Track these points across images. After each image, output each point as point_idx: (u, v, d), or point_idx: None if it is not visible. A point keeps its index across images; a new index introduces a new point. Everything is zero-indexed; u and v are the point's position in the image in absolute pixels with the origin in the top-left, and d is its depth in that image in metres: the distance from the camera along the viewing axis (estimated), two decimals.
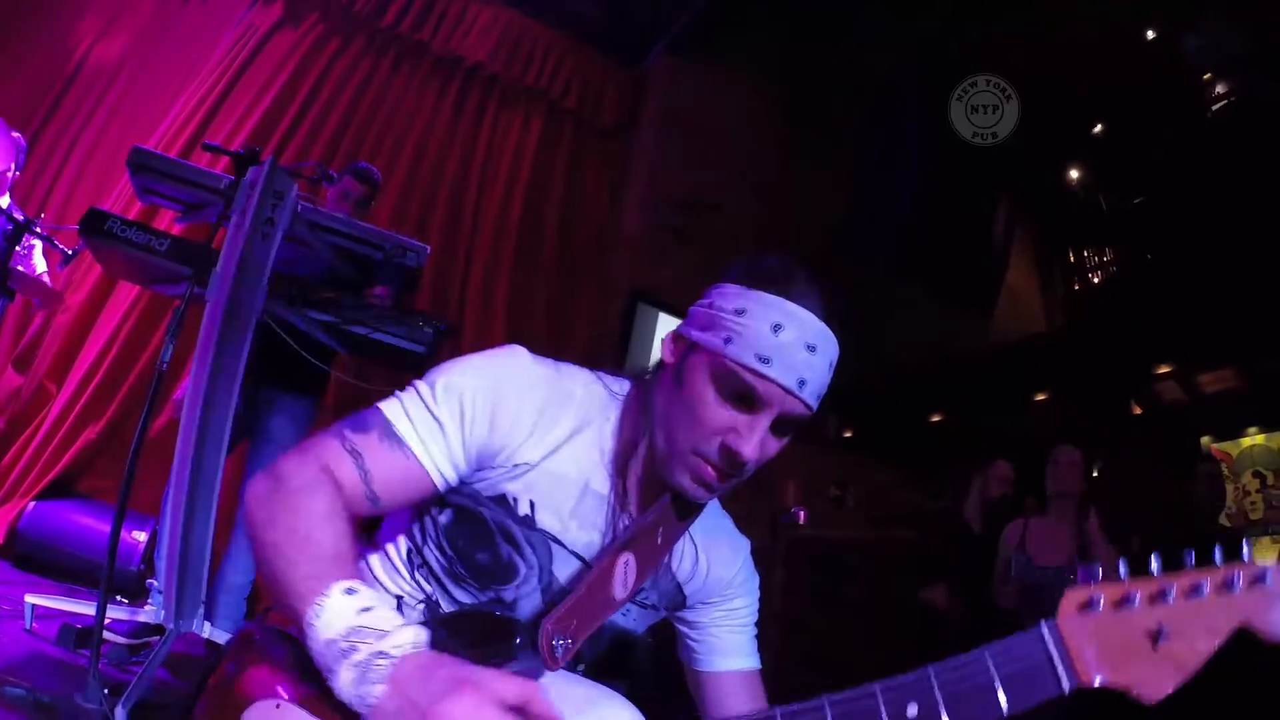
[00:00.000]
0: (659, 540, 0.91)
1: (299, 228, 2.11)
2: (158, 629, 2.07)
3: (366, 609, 0.69)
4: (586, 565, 0.93)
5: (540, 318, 4.58)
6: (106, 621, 1.77)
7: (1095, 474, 3.67)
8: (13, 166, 2.86)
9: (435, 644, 0.71)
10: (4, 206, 2.78)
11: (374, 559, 0.98)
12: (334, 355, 2.30)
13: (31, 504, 3.06)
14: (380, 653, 0.66)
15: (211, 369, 1.95)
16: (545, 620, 0.81)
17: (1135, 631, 0.63)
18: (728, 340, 0.84)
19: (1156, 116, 4.55)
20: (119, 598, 2.74)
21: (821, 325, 0.84)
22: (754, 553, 1.10)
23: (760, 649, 1.09)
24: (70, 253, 2.70)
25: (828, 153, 4.77)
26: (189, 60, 4.13)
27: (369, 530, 1.01)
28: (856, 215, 4.84)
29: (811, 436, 4.65)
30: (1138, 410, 4.66)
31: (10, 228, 2.58)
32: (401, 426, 0.87)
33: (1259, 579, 0.63)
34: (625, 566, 0.87)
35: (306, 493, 0.79)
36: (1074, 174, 4.98)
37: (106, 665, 2.14)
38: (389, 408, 0.89)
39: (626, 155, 5.06)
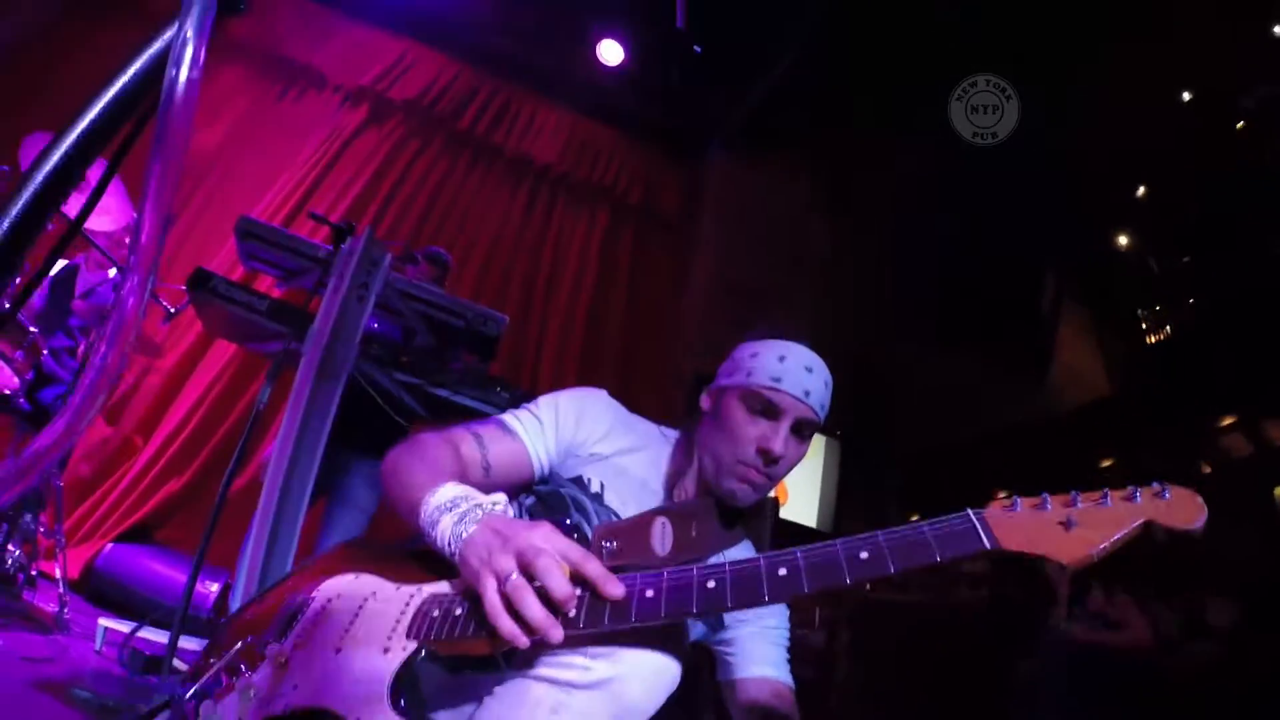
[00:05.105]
0: (693, 533, 1.10)
1: (390, 294, 2.28)
2: None
3: (471, 492, 0.91)
4: None
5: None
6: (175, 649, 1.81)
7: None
8: (126, 233, 3.16)
9: None
10: (111, 275, 3.08)
11: None
12: (413, 416, 2.42)
13: (109, 545, 3.20)
14: (478, 505, 0.88)
15: (303, 419, 2.10)
16: (598, 527, 1.03)
17: (1047, 521, 0.76)
18: (749, 374, 1.15)
19: (1196, 175, 4.59)
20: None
21: (813, 354, 1.17)
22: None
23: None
24: (172, 310, 2.99)
25: (873, 234, 4.90)
26: (282, 152, 4.56)
27: None
28: (902, 293, 4.90)
29: (877, 520, 4.55)
30: (1207, 469, 4.47)
31: (120, 279, 2.86)
32: (512, 423, 1.20)
33: (1159, 495, 0.75)
34: (663, 528, 1.04)
35: (431, 443, 1.08)
36: (1122, 240, 5.01)
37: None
38: (504, 415, 1.22)
39: (687, 246, 5.31)
